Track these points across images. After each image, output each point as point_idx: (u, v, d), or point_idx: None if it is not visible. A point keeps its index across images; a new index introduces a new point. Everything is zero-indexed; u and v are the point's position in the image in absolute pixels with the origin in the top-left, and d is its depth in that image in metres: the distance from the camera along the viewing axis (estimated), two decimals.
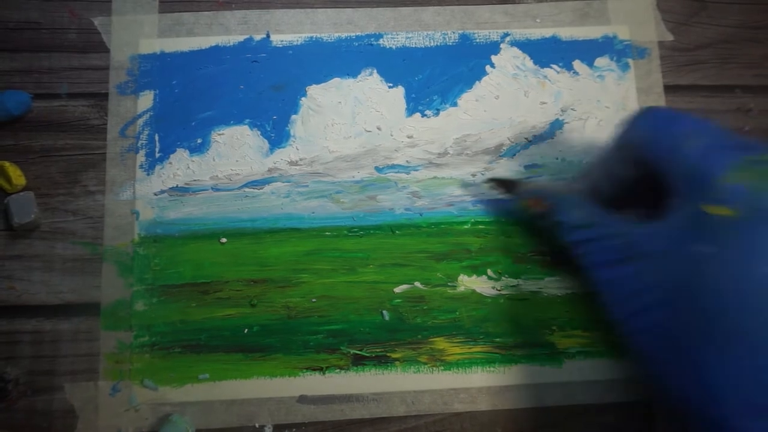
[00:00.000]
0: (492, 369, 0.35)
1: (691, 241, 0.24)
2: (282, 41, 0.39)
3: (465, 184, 0.36)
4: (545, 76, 0.39)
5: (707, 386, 0.23)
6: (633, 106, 0.39)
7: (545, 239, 0.35)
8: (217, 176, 0.37)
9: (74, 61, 0.38)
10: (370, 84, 0.39)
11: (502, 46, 0.39)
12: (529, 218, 0.35)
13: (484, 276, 0.36)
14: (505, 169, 0.38)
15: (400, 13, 0.40)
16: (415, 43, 0.39)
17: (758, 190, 0.23)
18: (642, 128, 0.28)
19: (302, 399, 0.35)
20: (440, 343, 0.35)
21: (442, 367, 0.35)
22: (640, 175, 0.29)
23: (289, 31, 0.39)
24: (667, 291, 0.24)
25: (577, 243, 0.29)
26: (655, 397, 0.26)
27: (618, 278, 0.27)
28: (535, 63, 0.39)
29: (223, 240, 0.36)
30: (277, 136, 0.38)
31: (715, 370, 0.23)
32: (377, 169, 0.37)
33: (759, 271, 0.22)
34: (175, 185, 0.37)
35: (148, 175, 0.37)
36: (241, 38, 0.39)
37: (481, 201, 0.36)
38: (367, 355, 0.35)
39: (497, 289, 0.36)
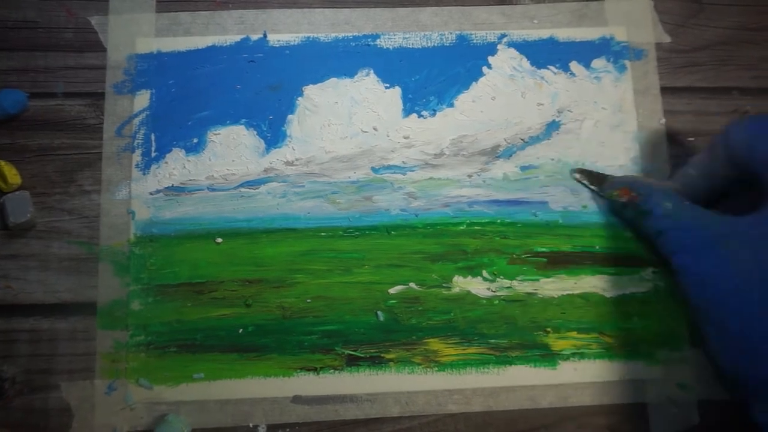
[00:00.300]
0: (486, 370, 0.35)
1: None
2: (279, 41, 0.39)
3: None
4: (542, 77, 0.39)
5: None
6: (630, 107, 0.39)
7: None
8: (212, 176, 0.37)
9: (71, 61, 0.38)
10: (366, 84, 0.38)
11: (499, 47, 0.39)
12: (614, 208, 0.36)
13: (479, 277, 0.36)
14: (501, 170, 0.38)
15: (397, 14, 0.40)
16: (413, 44, 0.39)
17: None
18: (743, 133, 0.30)
19: (296, 399, 0.35)
20: (435, 344, 0.35)
21: (437, 368, 0.35)
22: (734, 177, 0.31)
23: (286, 30, 0.39)
24: (762, 273, 0.27)
25: (662, 231, 0.31)
26: (745, 381, 0.28)
27: (708, 264, 0.29)
28: (532, 64, 0.39)
29: (219, 240, 0.36)
30: (273, 136, 0.38)
31: None
32: (373, 169, 0.37)
33: None
34: (170, 185, 0.37)
35: (144, 174, 0.37)
36: (238, 38, 0.39)
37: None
38: (362, 355, 0.35)
39: (492, 291, 0.36)
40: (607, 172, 0.37)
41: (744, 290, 0.27)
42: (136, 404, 0.34)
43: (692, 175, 0.33)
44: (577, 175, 0.37)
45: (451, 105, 0.38)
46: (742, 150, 0.30)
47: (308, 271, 0.36)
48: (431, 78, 0.39)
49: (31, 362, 0.35)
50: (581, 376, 0.35)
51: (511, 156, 0.38)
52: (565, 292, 0.36)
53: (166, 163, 0.37)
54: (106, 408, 0.34)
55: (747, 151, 0.29)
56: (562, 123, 0.38)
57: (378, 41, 0.39)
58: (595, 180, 0.37)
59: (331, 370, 0.35)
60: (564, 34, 0.39)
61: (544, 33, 0.39)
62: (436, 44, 0.39)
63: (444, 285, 0.36)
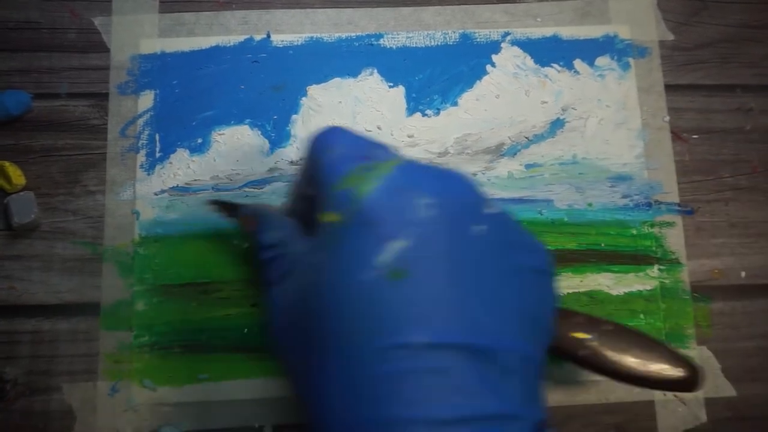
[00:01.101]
0: None
1: (314, 251, 0.23)
2: (282, 41, 0.39)
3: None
4: (546, 76, 0.39)
5: (314, 395, 0.21)
6: (634, 105, 0.39)
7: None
8: (217, 176, 0.37)
9: (74, 61, 0.38)
10: (370, 84, 0.38)
11: (502, 45, 0.39)
12: (247, 239, 0.33)
13: None
14: (506, 168, 0.38)
15: (400, 13, 0.40)
16: (416, 43, 0.39)
17: (357, 194, 0.21)
18: (312, 144, 0.26)
19: None
20: None
21: None
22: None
23: (289, 31, 0.39)
24: (294, 302, 0.23)
25: (265, 262, 0.27)
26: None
27: (276, 295, 0.25)
28: (536, 62, 0.39)
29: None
30: (278, 135, 0.38)
31: (317, 379, 0.21)
32: None
33: (354, 277, 0.20)
34: (175, 185, 0.37)
35: (148, 174, 0.37)
36: (242, 38, 0.39)
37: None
38: None
39: None
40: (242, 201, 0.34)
41: (291, 327, 0.23)
42: (139, 406, 0.34)
43: (293, 194, 0.29)
44: (210, 207, 0.34)
45: (455, 104, 0.38)
46: (307, 162, 0.26)
47: None
48: (435, 77, 0.39)
49: (33, 363, 0.35)
50: (587, 374, 0.35)
51: (515, 154, 0.38)
52: (570, 291, 0.36)
53: (171, 163, 0.37)
54: (109, 410, 0.34)
55: (309, 162, 0.25)
56: (567, 121, 0.38)
57: (381, 41, 0.39)
58: (226, 209, 0.33)
59: None
60: (567, 32, 0.39)
61: (548, 31, 0.39)
62: (439, 43, 0.39)
63: None
